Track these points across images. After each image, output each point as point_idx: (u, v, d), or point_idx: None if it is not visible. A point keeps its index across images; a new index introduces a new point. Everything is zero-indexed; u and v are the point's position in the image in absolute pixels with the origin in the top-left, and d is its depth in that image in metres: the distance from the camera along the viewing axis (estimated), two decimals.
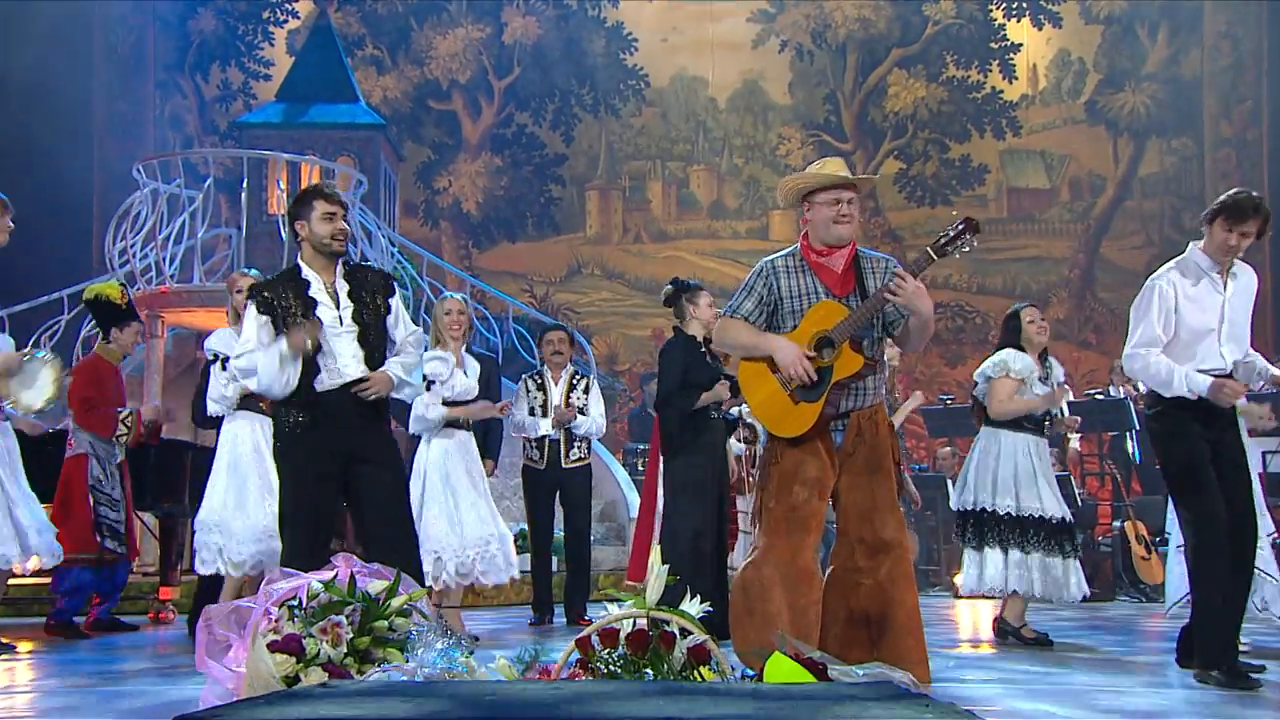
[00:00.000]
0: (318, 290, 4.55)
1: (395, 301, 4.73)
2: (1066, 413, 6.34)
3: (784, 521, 3.97)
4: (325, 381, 4.50)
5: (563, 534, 7.39)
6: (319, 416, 4.47)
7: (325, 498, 4.51)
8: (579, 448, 7.14)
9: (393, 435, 4.73)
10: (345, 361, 4.51)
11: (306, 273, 4.59)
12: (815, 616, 3.93)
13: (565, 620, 7.11)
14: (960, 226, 3.93)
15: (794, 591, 3.90)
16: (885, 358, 7.06)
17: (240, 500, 5.78)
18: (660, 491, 6.69)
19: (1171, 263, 4.73)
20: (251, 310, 4.55)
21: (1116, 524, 9.85)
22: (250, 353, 4.46)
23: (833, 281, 4.07)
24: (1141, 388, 10.80)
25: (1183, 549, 4.76)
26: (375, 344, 4.59)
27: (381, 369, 4.59)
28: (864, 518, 3.98)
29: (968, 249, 3.90)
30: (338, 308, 4.56)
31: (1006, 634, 5.96)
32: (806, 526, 3.98)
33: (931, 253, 3.93)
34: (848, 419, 4.05)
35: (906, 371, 15.87)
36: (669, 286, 6.50)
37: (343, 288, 4.60)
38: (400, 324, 4.73)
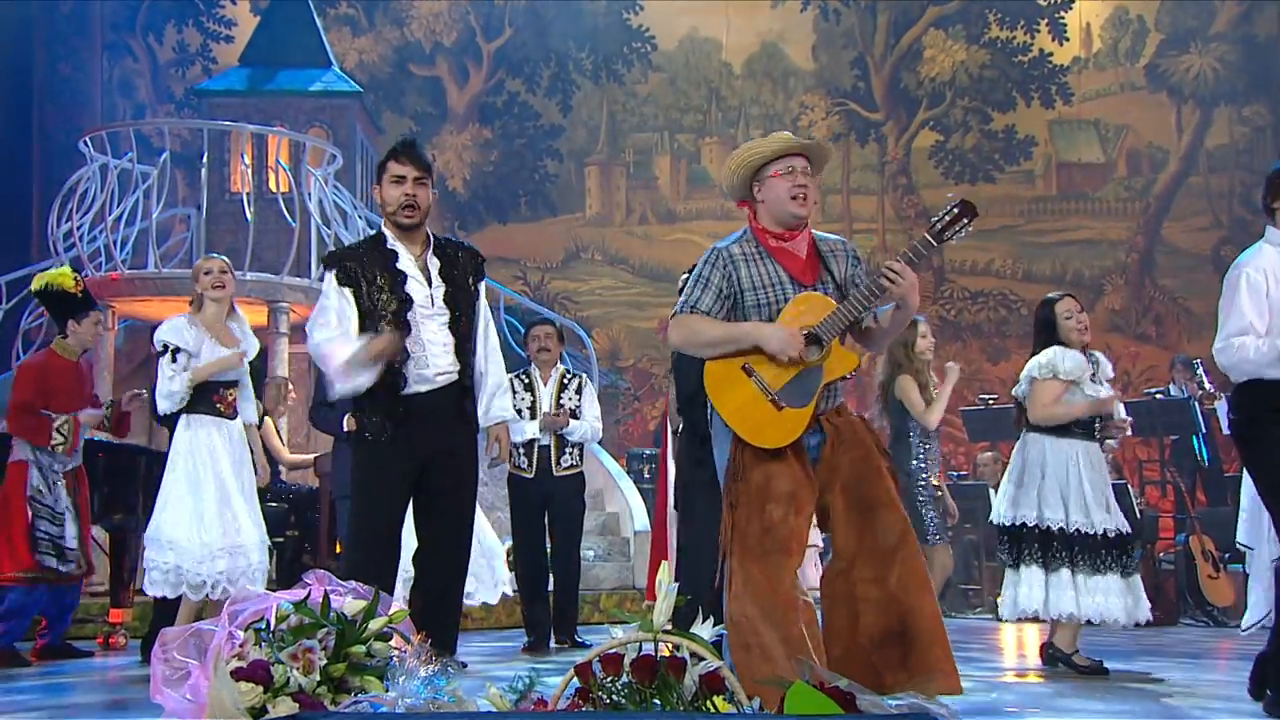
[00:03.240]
0: (408, 263, 4.49)
1: (483, 288, 4.68)
2: (1121, 413, 6.31)
3: (758, 545, 3.91)
4: (414, 380, 4.45)
5: (549, 549, 7.40)
6: (406, 422, 4.45)
7: (398, 510, 4.51)
8: (571, 454, 7.19)
9: (476, 438, 4.68)
10: (435, 352, 4.47)
11: (392, 243, 4.51)
12: (813, 642, 3.89)
13: (554, 642, 7.14)
14: (955, 210, 3.88)
15: (780, 625, 3.83)
16: (918, 350, 7.00)
17: (195, 514, 5.79)
18: (671, 502, 6.68)
19: (1253, 247, 4.67)
20: (330, 281, 4.49)
21: (1180, 538, 9.85)
22: (329, 339, 4.37)
23: (797, 268, 4.01)
24: (1209, 386, 10.82)
25: (1275, 563, 4.75)
26: (466, 332, 4.53)
27: (499, 422, 4.65)
28: (858, 524, 3.93)
29: (964, 234, 3.87)
30: (429, 286, 4.50)
31: (1056, 660, 5.96)
32: (786, 548, 3.90)
33: (930, 238, 3.89)
34: (818, 423, 4.01)
35: (940, 367, 15.83)
36: (685, 275, 6.51)
37: (434, 264, 4.53)
38: (481, 316, 4.66)
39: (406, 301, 4.45)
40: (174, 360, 5.82)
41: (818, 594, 4.01)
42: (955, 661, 3.88)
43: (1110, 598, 5.86)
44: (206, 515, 5.78)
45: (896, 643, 3.85)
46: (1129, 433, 6.46)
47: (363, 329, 4.45)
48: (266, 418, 8.23)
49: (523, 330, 11.99)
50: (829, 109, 17.72)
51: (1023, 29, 17.42)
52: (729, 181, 4.14)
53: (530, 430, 7.07)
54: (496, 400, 4.69)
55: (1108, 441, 6.25)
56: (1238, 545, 5.35)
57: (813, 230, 4.10)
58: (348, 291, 4.45)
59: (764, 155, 4.04)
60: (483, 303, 4.72)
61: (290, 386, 9.03)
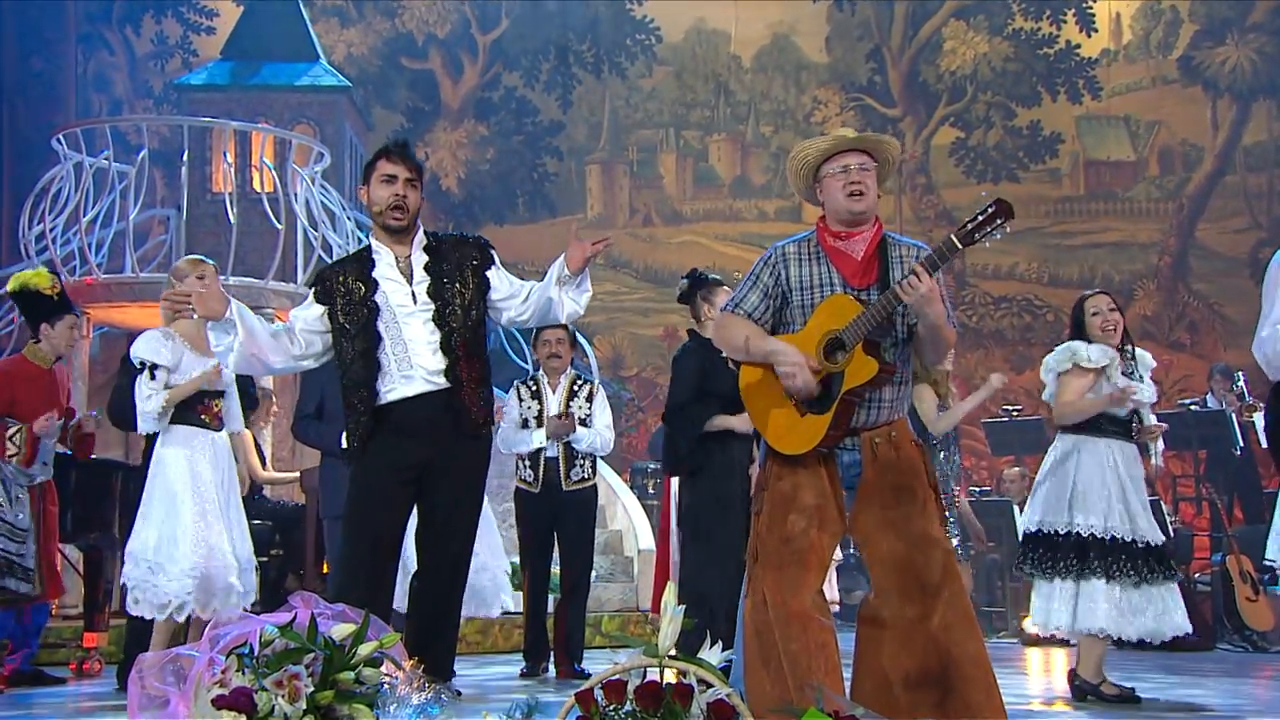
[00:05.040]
0: (386, 266, 4.58)
1: (494, 273, 4.75)
2: (1152, 418, 6.29)
3: (775, 555, 3.95)
4: (396, 385, 4.53)
5: (558, 569, 7.38)
6: (387, 428, 4.50)
7: (389, 528, 4.54)
8: (582, 466, 7.09)
9: (484, 449, 4.74)
10: (419, 350, 4.54)
11: (376, 248, 4.62)
12: (823, 664, 3.88)
13: (554, 672, 7.10)
14: (991, 209, 3.87)
15: (786, 637, 3.87)
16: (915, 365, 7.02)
17: (168, 531, 5.79)
18: (674, 518, 6.68)
19: None
20: (309, 296, 4.68)
21: (1216, 558, 9.82)
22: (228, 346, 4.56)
23: (851, 271, 4.03)
24: (1250, 398, 10.80)
25: None
26: (457, 325, 4.58)
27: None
28: (900, 560, 3.93)
29: (999, 236, 3.86)
30: (410, 283, 4.58)
31: (1084, 693, 5.94)
32: (804, 562, 3.92)
33: (956, 240, 3.87)
34: (858, 438, 4.01)
35: (964, 378, 15.84)
36: (684, 280, 6.51)
37: (419, 260, 4.63)
38: (501, 290, 4.75)
39: (374, 310, 4.55)
40: (152, 378, 5.82)
41: (833, 609, 4.00)
42: (1003, 705, 3.86)
43: (1145, 616, 5.83)
44: (180, 532, 5.77)
45: (934, 685, 3.83)
46: (1160, 440, 6.44)
47: (337, 343, 4.62)
48: (246, 431, 8.24)
49: (520, 337, 11.86)
50: (843, 104, 17.73)
51: (1048, 19, 17.44)
52: (796, 189, 4.24)
53: (537, 439, 7.01)
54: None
55: (1153, 462, 6.23)
56: (1266, 562, 5.34)
57: (887, 233, 4.11)
58: (316, 311, 4.63)
59: (816, 155, 4.08)
60: (500, 278, 4.76)
61: (274, 399, 9.03)
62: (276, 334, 4.65)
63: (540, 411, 7.06)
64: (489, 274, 4.71)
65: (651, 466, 11.96)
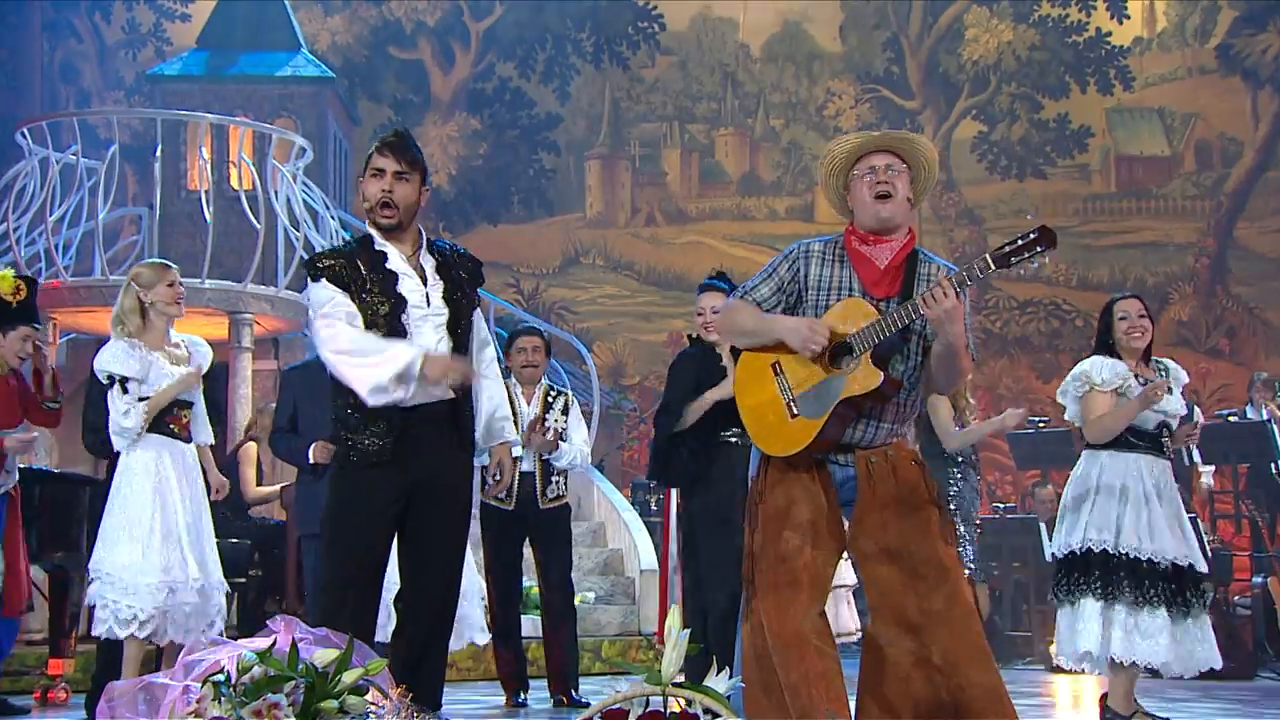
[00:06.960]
0: (399, 260, 4.51)
1: (478, 312, 4.73)
2: (1175, 422, 6.27)
3: (770, 574, 3.96)
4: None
5: (538, 590, 7.38)
6: (399, 441, 4.45)
7: (380, 546, 4.51)
8: (557, 484, 7.08)
9: (472, 464, 4.75)
10: None
11: (380, 243, 4.53)
12: (824, 693, 3.87)
13: (550, 700, 7.09)
14: (1033, 235, 3.89)
15: (784, 666, 3.86)
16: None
17: (137, 545, 5.78)
18: (674, 536, 6.69)
19: None
20: (322, 284, 4.45)
21: (1257, 580, 9.82)
22: (352, 354, 4.35)
23: (872, 278, 4.04)
24: None
25: None
26: (464, 334, 4.57)
27: (502, 443, 4.74)
28: (897, 586, 3.92)
29: (1036, 265, 3.87)
30: (425, 285, 4.53)
31: None
32: (797, 581, 3.92)
33: (990, 261, 3.89)
34: (851, 455, 4.02)
35: (988, 388, 15.85)
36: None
37: (429, 261, 4.58)
38: (477, 329, 4.71)
39: (399, 302, 4.46)
40: (125, 391, 5.80)
41: (852, 640, 3.99)
42: None
43: (1159, 640, 5.80)
44: (146, 546, 5.76)
45: (951, 716, 3.83)
46: (1196, 435, 6.43)
47: None
48: (251, 443, 8.29)
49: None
50: (858, 96, 17.74)
51: (1077, 6, 17.46)
52: (830, 201, 4.25)
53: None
54: (497, 420, 4.73)
55: (1203, 481, 6.21)
56: None
57: (919, 249, 4.12)
58: (345, 298, 4.45)
59: (845, 156, 4.10)
60: (479, 315, 4.76)
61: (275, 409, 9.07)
62: None
63: (514, 423, 7.04)
64: (476, 294, 4.72)
65: (654, 481, 11.96)
